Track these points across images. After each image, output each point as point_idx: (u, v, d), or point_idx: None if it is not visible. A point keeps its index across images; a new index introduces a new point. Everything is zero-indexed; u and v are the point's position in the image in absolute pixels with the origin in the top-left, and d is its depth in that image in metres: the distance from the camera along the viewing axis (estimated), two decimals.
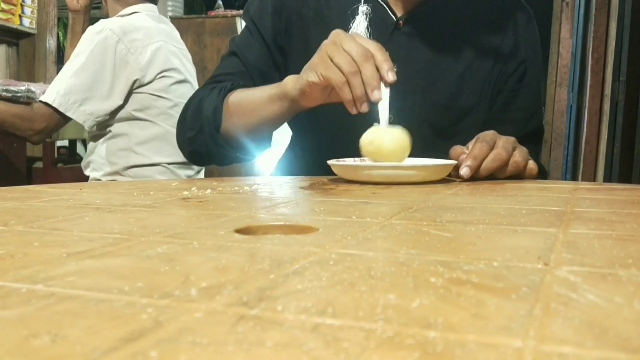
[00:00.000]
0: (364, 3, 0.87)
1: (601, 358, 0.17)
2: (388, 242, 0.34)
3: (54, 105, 1.38)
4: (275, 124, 0.84)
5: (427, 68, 0.89)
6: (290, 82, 0.75)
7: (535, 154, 0.95)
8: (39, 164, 2.34)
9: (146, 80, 1.46)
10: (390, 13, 0.89)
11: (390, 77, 0.68)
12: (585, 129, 2.83)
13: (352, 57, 0.67)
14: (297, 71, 0.76)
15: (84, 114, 1.40)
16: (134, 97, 1.46)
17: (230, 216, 0.44)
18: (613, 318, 0.20)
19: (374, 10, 0.87)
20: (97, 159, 1.54)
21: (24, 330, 0.19)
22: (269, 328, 0.19)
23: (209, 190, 0.61)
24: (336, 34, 0.71)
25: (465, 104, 0.89)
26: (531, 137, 0.93)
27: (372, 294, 0.23)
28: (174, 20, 3.74)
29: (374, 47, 0.68)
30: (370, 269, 0.27)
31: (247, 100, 0.82)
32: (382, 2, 0.89)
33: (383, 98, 0.69)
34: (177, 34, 1.64)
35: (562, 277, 0.25)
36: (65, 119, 1.41)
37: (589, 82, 2.82)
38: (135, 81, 1.45)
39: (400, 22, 0.88)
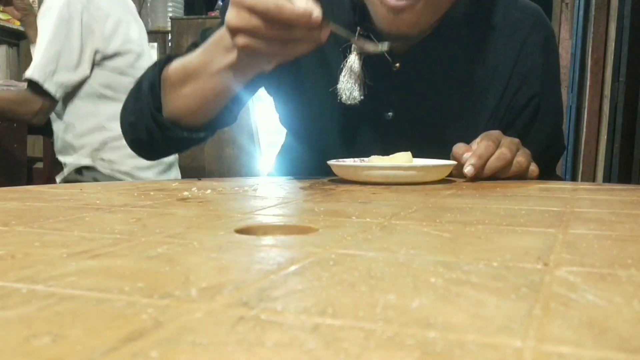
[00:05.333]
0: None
1: (600, 358, 0.17)
2: (388, 242, 0.34)
3: (35, 78, 1.38)
4: (227, 99, 0.72)
5: (426, 110, 0.83)
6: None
7: (551, 176, 0.92)
8: (39, 165, 2.34)
9: (109, 51, 1.45)
10: (386, 54, 0.80)
11: (316, 18, 0.56)
12: (584, 130, 2.83)
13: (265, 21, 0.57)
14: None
15: (55, 85, 1.40)
16: (98, 72, 1.45)
17: (230, 216, 0.44)
18: (612, 318, 0.20)
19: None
20: (70, 142, 1.52)
21: (24, 331, 0.19)
22: (269, 328, 0.19)
23: (209, 191, 0.61)
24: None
25: (469, 143, 0.82)
26: (549, 163, 0.90)
27: (372, 294, 0.23)
28: (174, 20, 3.75)
29: (275, 8, 0.56)
30: (370, 269, 0.27)
31: (189, 74, 0.70)
32: (377, 40, 0.80)
33: (331, 28, 0.60)
34: (131, 2, 1.62)
35: (562, 278, 0.25)
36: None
37: (588, 83, 2.82)
38: (97, 51, 1.44)
39: (397, 64, 0.82)
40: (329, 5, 0.83)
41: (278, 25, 0.57)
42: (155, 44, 3.86)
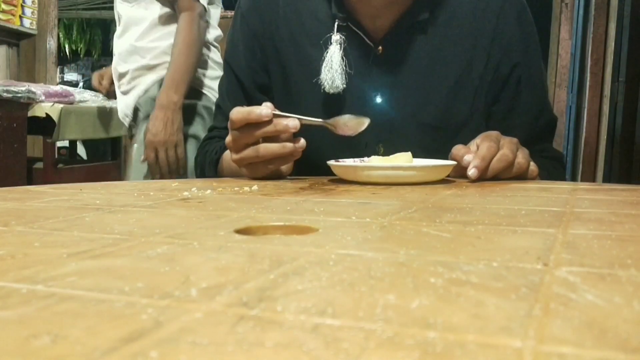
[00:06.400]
0: (337, 32, 0.83)
1: (600, 358, 0.17)
2: (388, 242, 0.34)
3: None
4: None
5: (414, 91, 0.85)
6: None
7: (550, 144, 0.94)
8: (39, 165, 2.34)
9: None
10: (367, 39, 0.84)
11: (265, 114, 0.69)
12: (584, 130, 2.83)
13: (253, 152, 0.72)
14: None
15: None
16: None
17: (230, 216, 0.44)
18: (612, 318, 0.20)
19: (349, 38, 0.83)
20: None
21: (24, 331, 0.19)
22: (269, 328, 0.19)
23: (209, 191, 0.61)
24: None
25: (456, 121, 0.85)
26: (543, 135, 0.91)
27: (371, 294, 0.23)
28: None
29: (234, 120, 0.71)
30: (370, 270, 0.27)
31: (235, 172, 0.85)
32: (356, 29, 0.84)
33: (301, 121, 0.70)
34: None
35: (562, 278, 0.25)
36: None
37: (588, 83, 2.82)
38: None
39: (379, 48, 0.84)
40: (308, 6, 0.88)
41: (252, 128, 0.70)
42: None
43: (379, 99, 0.85)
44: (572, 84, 3.12)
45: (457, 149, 0.73)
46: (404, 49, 0.85)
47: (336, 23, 0.84)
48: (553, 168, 0.90)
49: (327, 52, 0.83)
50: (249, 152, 0.72)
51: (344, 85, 0.83)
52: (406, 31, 0.84)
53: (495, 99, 0.88)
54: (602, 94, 2.73)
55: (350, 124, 0.73)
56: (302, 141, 0.71)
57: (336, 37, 0.83)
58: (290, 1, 0.89)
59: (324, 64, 0.83)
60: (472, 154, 0.71)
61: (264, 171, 0.74)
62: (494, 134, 0.74)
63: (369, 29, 0.85)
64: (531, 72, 0.89)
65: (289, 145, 0.71)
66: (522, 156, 0.73)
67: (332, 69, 0.82)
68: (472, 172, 0.68)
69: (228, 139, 0.74)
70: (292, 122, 0.69)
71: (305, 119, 0.71)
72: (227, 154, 0.86)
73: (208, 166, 0.92)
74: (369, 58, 0.85)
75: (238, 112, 0.70)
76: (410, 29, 0.84)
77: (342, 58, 0.82)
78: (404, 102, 0.85)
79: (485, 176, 0.70)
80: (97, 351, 0.17)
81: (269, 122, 0.69)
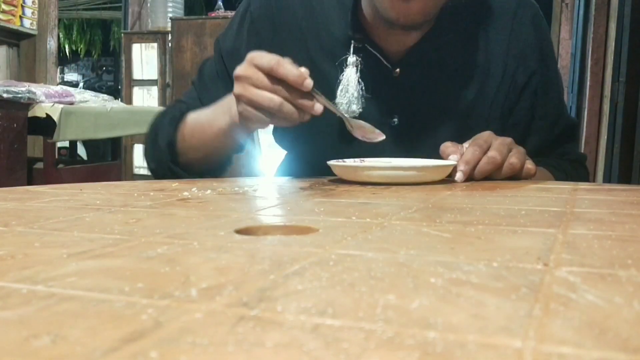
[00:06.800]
0: (354, 53, 0.81)
1: (601, 358, 0.17)
2: (388, 242, 0.34)
3: None
4: (234, 149, 0.82)
5: (431, 114, 0.84)
6: (234, 111, 0.72)
7: (572, 148, 0.94)
8: (39, 165, 2.34)
9: None
10: (385, 61, 0.82)
11: (308, 84, 0.64)
12: (584, 130, 2.83)
13: (268, 89, 0.65)
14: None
15: None
16: None
17: (230, 217, 0.44)
18: (612, 318, 0.20)
19: (365, 59, 0.81)
20: None
21: (24, 331, 0.19)
22: (269, 329, 0.19)
23: (209, 191, 0.61)
24: (237, 76, 0.67)
25: (472, 136, 0.82)
26: (563, 137, 0.91)
27: (372, 294, 0.23)
28: (174, 20, 3.75)
29: (276, 66, 0.64)
30: (370, 270, 0.27)
31: (199, 132, 0.81)
32: (373, 51, 0.82)
33: (323, 101, 0.66)
34: None
35: (562, 278, 0.25)
36: None
37: (588, 83, 2.82)
38: None
39: (397, 70, 0.83)
40: (324, 21, 0.85)
41: (276, 81, 0.65)
42: (155, 44, 3.86)
43: (395, 121, 0.84)
44: (572, 84, 3.12)
45: (446, 146, 0.73)
46: (421, 71, 0.83)
47: (352, 45, 0.82)
48: (572, 169, 0.89)
49: (343, 75, 0.81)
50: (267, 96, 0.65)
51: (360, 110, 0.81)
52: (424, 53, 0.83)
53: (511, 108, 0.86)
54: (602, 94, 2.73)
55: (367, 131, 0.72)
56: (320, 108, 0.66)
57: (352, 58, 0.81)
58: (308, 13, 0.86)
59: (340, 87, 0.81)
60: (459, 154, 0.71)
61: (261, 122, 0.68)
62: (485, 135, 0.74)
63: (386, 50, 0.83)
64: (547, 79, 0.88)
65: (303, 117, 0.66)
66: (515, 157, 0.73)
67: (349, 93, 0.80)
68: (457, 175, 0.70)
69: (242, 71, 0.67)
70: (317, 106, 0.65)
71: (330, 106, 0.68)
72: (195, 115, 0.82)
73: (169, 123, 0.84)
74: (386, 80, 0.83)
75: (281, 62, 0.64)
76: (428, 50, 0.83)
77: (359, 81, 0.81)
78: (420, 126, 0.84)
79: (474, 178, 0.71)
80: (97, 351, 0.17)
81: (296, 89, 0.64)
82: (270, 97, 0.65)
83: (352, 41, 0.82)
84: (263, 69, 0.65)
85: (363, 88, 0.81)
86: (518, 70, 0.85)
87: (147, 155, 0.89)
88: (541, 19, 0.89)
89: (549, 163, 0.87)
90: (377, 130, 0.72)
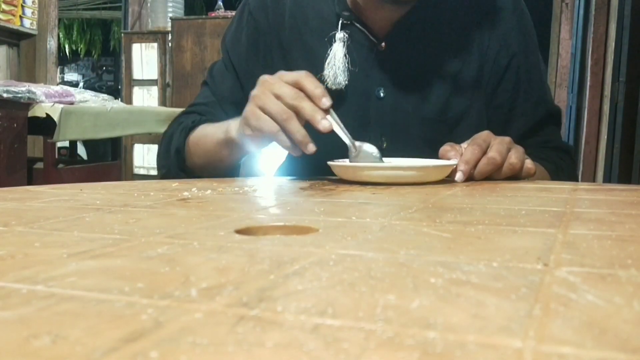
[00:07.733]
0: (341, 29, 0.85)
1: (601, 358, 0.17)
2: (388, 242, 0.34)
3: None
4: (231, 164, 0.85)
5: (415, 86, 0.87)
6: (234, 129, 0.75)
7: (555, 135, 0.95)
8: (39, 165, 2.34)
9: None
10: (371, 36, 0.87)
11: (325, 103, 0.66)
12: (584, 130, 2.83)
13: (284, 100, 0.67)
14: None
15: None
16: None
17: (230, 217, 0.44)
18: (612, 318, 0.20)
19: (353, 35, 0.85)
20: None
21: (24, 331, 0.19)
22: (269, 329, 0.19)
23: (209, 191, 0.61)
24: (263, 81, 0.70)
25: (455, 113, 0.88)
26: (546, 122, 0.92)
27: (372, 294, 0.23)
28: (174, 20, 3.75)
29: (301, 78, 0.67)
30: (370, 270, 0.27)
31: (202, 143, 0.85)
32: (360, 27, 0.86)
33: (333, 123, 0.68)
34: None
35: (562, 278, 0.25)
36: None
37: (588, 83, 2.82)
38: None
39: (382, 44, 0.86)
40: (313, 5, 0.90)
41: (298, 94, 0.67)
42: (156, 44, 3.86)
43: (381, 94, 0.87)
44: (573, 84, 3.12)
45: (445, 150, 0.74)
46: (406, 45, 0.87)
47: (340, 21, 0.86)
48: (559, 159, 0.91)
49: (331, 50, 0.85)
50: (279, 105, 0.67)
51: (346, 82, 0.84)
52: (409, 27, 0.87)
53: (494, 89, 0.90)
54: (602, 94, 2.73)
55: (368, 158, 0.72)
56: (313, 149, 0.68)
57: (340, 34, 0.85)
58: (297, 1, 0.91)
59: (327, 61, 0.85)
60: (458, 155, 0.72)
61: (270, 130, 0.68)
62: (483, 135, 0.74)
63: (372, 26, 0.87)
64: (529, 60, 0.91)
65: (309, 145, 0.67)
66: (515, 157, 0.73)
67: (335, 66, 0.84)
68: (457, 176, 0.71)
69: (268, 77, 0.70)
70: (325, 122, 0.67)
71: (339, 130, 0.69)
72: (205, 125, 0.86)
73: (180, 132, 0.88)
74: (372, 54, 0.87)
75: (307, 76, 0.67)
76: (413, 25, 0.87)
77: (345, 55, 0.84)
78: (405, 97, 0.87)
79: (474, 179, 0.71)
80: (97, 351, 0.17)
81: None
82: (271, 124, 0.67)
83: (340, 19, 0.86)
84: (288, 81, 0.68)
85: (349, 61, 0.85)
86: (500, 52, 0.89)
87: (159, 161, 0.94)
88: (522, 7, 0.92)
89: (538, 156, 0.88)
90: (379, 159, 0.72)
